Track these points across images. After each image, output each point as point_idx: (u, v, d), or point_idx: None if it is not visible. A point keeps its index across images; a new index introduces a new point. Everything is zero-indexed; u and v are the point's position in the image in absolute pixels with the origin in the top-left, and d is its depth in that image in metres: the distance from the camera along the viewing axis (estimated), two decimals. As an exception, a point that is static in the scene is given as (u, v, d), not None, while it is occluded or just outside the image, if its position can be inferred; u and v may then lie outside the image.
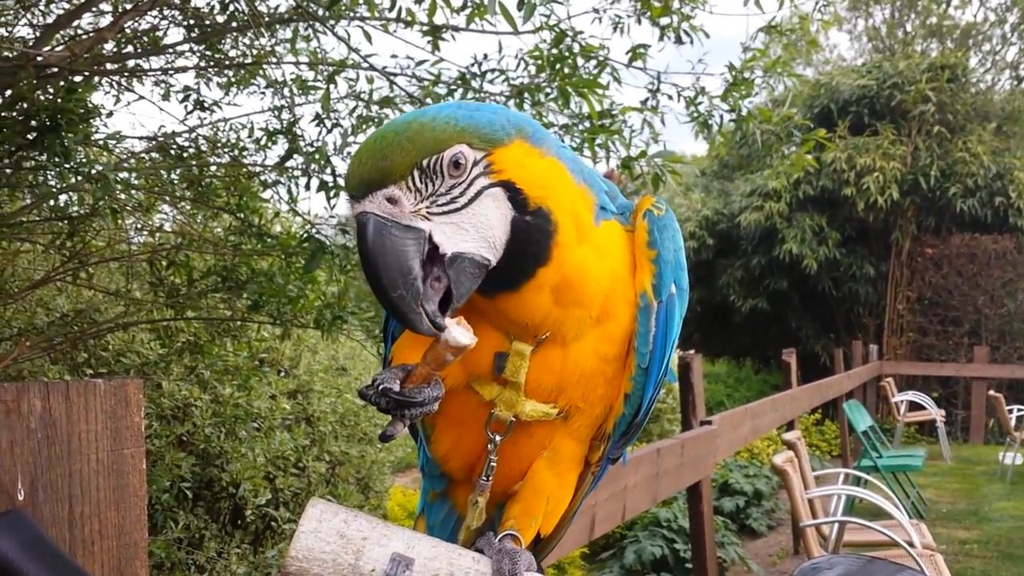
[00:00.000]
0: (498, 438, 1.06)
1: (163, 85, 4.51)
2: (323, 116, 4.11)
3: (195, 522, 4.80)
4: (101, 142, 3.56)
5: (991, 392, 11.83)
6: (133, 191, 3.81)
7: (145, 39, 4.30)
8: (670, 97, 4.12)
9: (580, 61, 3.80)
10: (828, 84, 16.20)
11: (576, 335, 1.04)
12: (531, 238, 0.97)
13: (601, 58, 3.81)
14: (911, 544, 4.88)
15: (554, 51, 3.73)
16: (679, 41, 4.03)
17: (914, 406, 12.68)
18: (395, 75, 3.97)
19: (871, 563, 1.45)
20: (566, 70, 3.68)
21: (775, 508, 8.89)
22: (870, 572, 1.39)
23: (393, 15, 3.78)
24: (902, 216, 15.27)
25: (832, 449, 12.35)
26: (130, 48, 4.30)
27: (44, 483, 1.29)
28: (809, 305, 16.20)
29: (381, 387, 0.96)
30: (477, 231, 0.95)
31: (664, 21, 3.95)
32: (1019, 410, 11.13)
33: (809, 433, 12.62)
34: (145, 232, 4.94)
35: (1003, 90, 19.55)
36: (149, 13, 3.79)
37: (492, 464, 1.07)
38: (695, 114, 4.10)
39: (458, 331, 0.94)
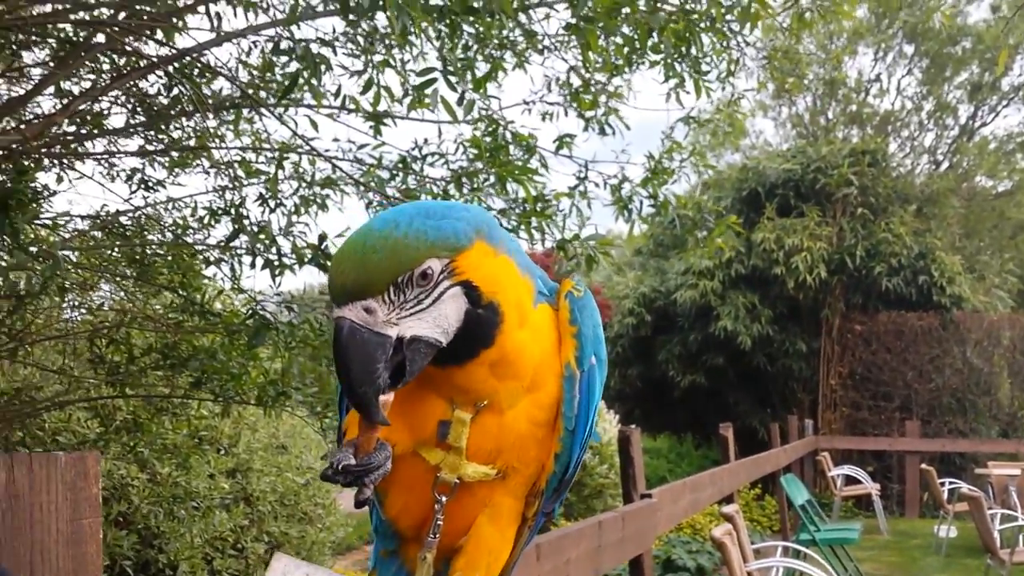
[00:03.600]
0: (444, 499, 1.17)
1: (107, 165, 4.56)
2: (267, 197, 4.20)
3: (130, 606, 4.68)
4: (49, 222, 3.59)
5: (923, 466, 12.11)
6: (78, 269, 3.82)
7: (90, 120, 4.36)
8: (597, 184, 4.35)
9: (512, 149, 4.00)
10: (755, 168, 16.80)
11: (511, 403, 1.17)
12: (480, 328, 1.10)
13: (531, 146, 4.01)
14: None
15: (488, 139, 3.92)
16: (603, 132, 4.28)
17: (850, 480, 12.89)
18: (338, 159, 4.10)
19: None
20: (502, 157, 3.86)
21: (717, 584, 8.92)
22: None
23: (338, 103, 3.93)
24: (831, 294, 15.75)
25: (773, 524, 12.46)
26: (75, 128, 4.35)
27: (8, 552, 1.33)
28: (745, 381, 16.49)
29: (341, 465, 1.07)
30: (435, 322, 1.08)
31: (589, 114, 4.19)
32: (951, 483, 11.38)
33: (750, 508, 12.73)
34: (84, 309, 4.91)
35: (922, 173, 20.52)
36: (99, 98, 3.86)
37: (439, 523, 1.17)
38: (618, 199, 4.32)
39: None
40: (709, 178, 16.10)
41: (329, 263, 3.67)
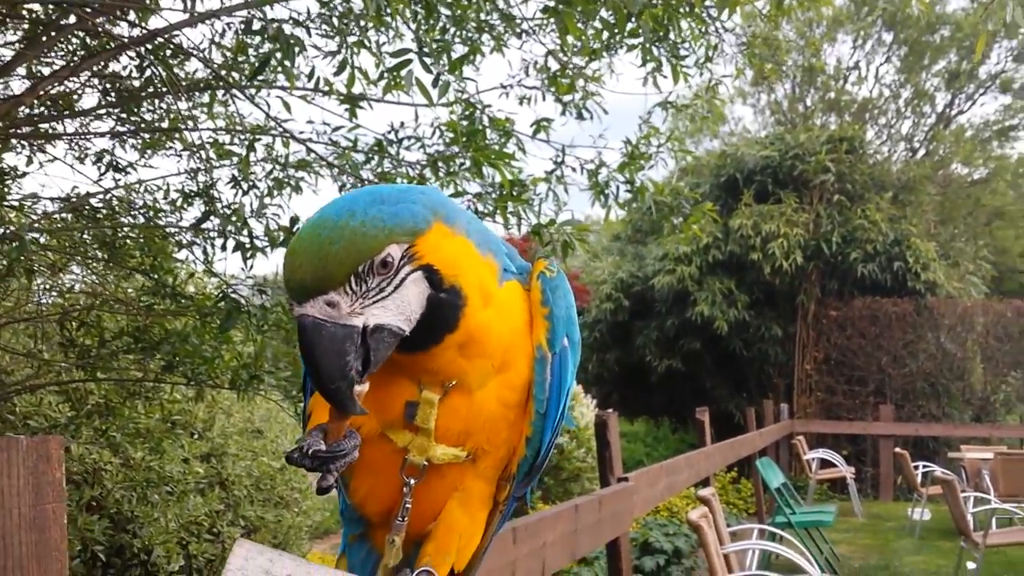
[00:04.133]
0: (413, 482, 1.15)
1: (77, 148, 4.49)
2: (240, 179, 4.16)
3: (103, 591, 4.65)
4: (16, 203, 3.53)
5: (897, 450, 12.24)
6: (47, 252, 3.77)
7: (60, 102, 4.29)
8: (573, 169, 4.33)
9: (489, 133, 3.97)
10: (733, 155, 16.86)
11: (480, 384, 1.14)
12: (443, 312, 1.08)
13: (508, 130, 3.99)
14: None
15: (465, 123, 3.88)
16: (580, 117, 4.26)
17: (825, 463, 13.01)
18: (312, 142, 4.06)
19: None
20: (479, 141, 3.83)
21: (695, 566, 8.98)
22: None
23: (311, 85, 3.88)
24: (807, 280, 15.86)
25: (748, 507, 12.57)
26: (44, 110, 4.28)
27: (-34, 536, 1.30)
28: (722, 365, 16.60)
29: (311, 451, 1.05)
30: (398, 309, 1.05)
31: (567, 98, 4.17)
32: (925, 466, 11.51)
33: (726, 491, 12.83)
34: (55, 293, 4.85)
35: (899, 161, 20.68)
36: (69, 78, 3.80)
37: (407, 506, 1.15)
38: (595, 184, 4.30)
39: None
40: (688, 164, 16.16)
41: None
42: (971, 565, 7.91)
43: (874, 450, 14.96)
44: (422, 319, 1.06)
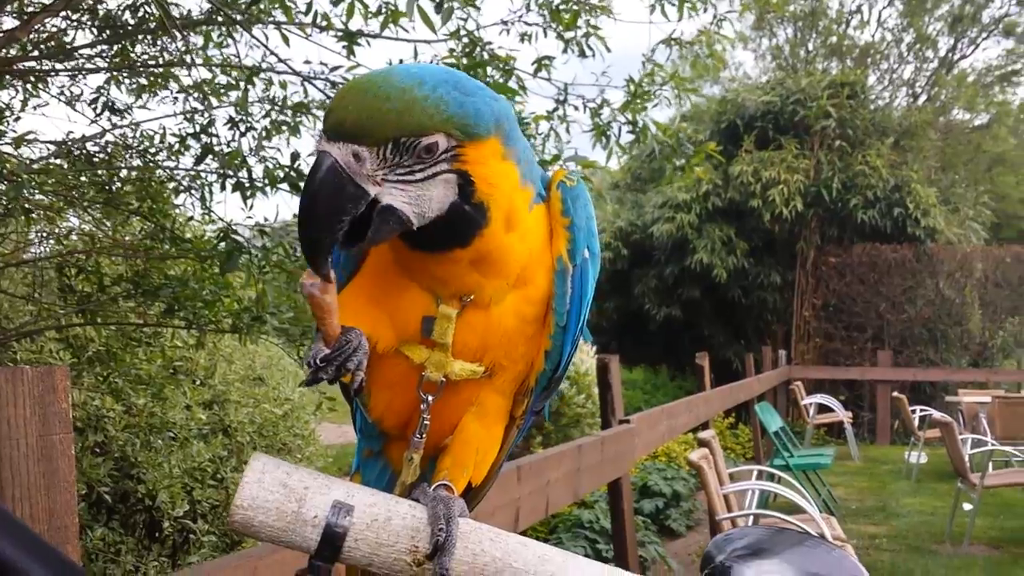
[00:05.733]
0: (430, 398, 1.12)
1: (70, 92, 4.41)
2: (237, 119, 4.09)
3: (110, 535, 4.68)
4: (12, 143, 3.47)
5: (895, 394, 12.32)
6: (44, 195, 3.72)
7: (52, 42, 4.20)
8: (576, 108, 4.24)
9: (489, 70, 3.88)
10: (734, 100, 16.71)
11: (497, 299, 1.11)
12: (459, 225, 1.03)
13: (509, 68, 3.90)
14: (823, 537, 5.06)
15: (465, 60, 3.80)
16: (582, 55, 4.16)
17: (823, 409, 13.11)
18: (311, 79, 3.98)
19: (779, 532, 1.52)
20: (480, 77, 3.76)
21: (693, 509, 9.09)
22: (778, 540, 1.46)
23: (308, 19, 3.79)
24: (806, 227, 15.82)
25: (746, 452, 12.69)
26: (37, 51, 4.20)
27: (-28, 465, 1.29)
28: (720, 313, 16.63)
29: (319, 358, 1.01)
30: (416, 200, 0.99)
31: (569, 35, 4.07)
32: (922, 411, 11.59)
33: (724, 436, 12.94)
34: (52, 239, 4.81)
35: (900, 106, 20.52)
36: (60, 15, 3.71)
37: (425, 422, 1.12)
38: (597, 125, 4.22)
39: (319, 283, 1.00)
40: (689, 109, 16.02)
41: (302, 183, 3.61)
42: (967, 506, 8.00)
43: (871, 395, 15.07)
44: (435, 222, 1.01)
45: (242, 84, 3.83)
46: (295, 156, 3.38)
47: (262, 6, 3.53)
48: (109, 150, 4.38)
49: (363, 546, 0.91)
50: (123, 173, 4.27)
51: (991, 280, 15.82)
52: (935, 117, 19.75)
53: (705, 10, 4.41)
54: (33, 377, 1.43)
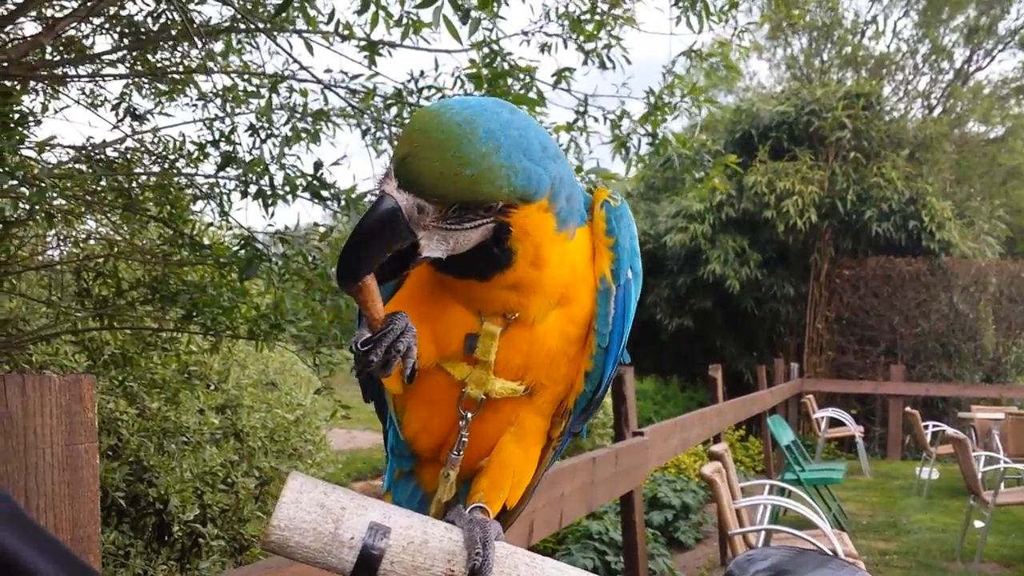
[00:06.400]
0: (470, 415, 1.11)
1: (92, 94, 4.43)
2: (258, 127, 4.10)
3: (120, 538, 4.68)
4: (35, 148, 3.49)
5: (907, 409, 12.24)
6: (64, 199, 3.74)
7: (72, 47, 4.22)
8: (595, 119, 4.24)
9: (510, 81, 3.88)
10: (748, 110, 16.68)
11: (541, 317, 1.10)
12: (482, 263, 1.03)
13: (528, 79, 3.90)
14: (835, 553, 5.03)
15: (485, 71, 3.80)
16: (603, 66, 4.16)
17: (834, 422, 13.04)
18: (333, 87, 3.99)
19: (801, 554, 1.51)
20: (501, 87, 3.76)
21: (702, 521, 9.05)
22: (800, 562, 1.45)
23: (331, 28, 3.80)
24: (820, 238, 15.76)
25: (756, 464, 12.64)
26: (58, 56, 4.22)
27: (0, 475, 1.28)
28: (732, 324, 16.58)
29: (361, 340, 1.00)
30: (453, 244, 1.00)
31: (589, 46, 4.07)
32: (934, 426, 11.52)
33: (734, 448, 12.89)
34: (70, 242, 4.83)
35: (915, 118, 20.44)
36: (83, 21, 3.73)
37: (464, 440, 1.12)
38: (617, 136, 4.22)
39: None
40: (706, 117, 15.95)
41: (322, 192, 3.62)
42: (978, 523, 7.94)
43: (883, 410, 14.98)
44: (460, 255, 1.01)
45: (264, 92, 3.84)
46: (318, 165, 3.38)
47: (286, 15, 3.54)
48: (129, 155, 4.39)
49: (399, 568, 0.91)
50: (142, 178, 4.28)
51: (1005, 295, 15.72)
52: (950, 129, 19.68)
53: (727, 21, 4.41)
54: (61, 386, 1.43)
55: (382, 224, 0.96)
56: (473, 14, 3.23)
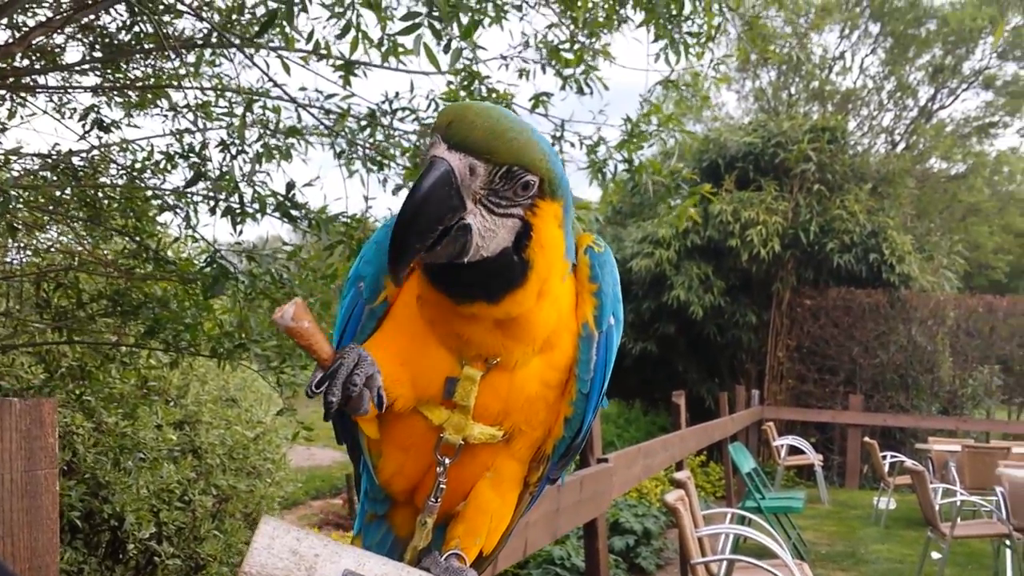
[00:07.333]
0: (447, 461, 1.09)
1: (60, 102, 4.36)
2: (229, 143, 4.05)
3: (73, 555, 4.57)
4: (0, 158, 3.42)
5: (865, 439, 12.34)
6: (27, 209, 3.66)
7: (43, 56, 4.15)
8: (572, 144, 4.26)
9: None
10: (716, 140, 16.87)
11: (522, 362, 1.09)
12: (501, 272, 1.02)
13: (507, 104, 3.90)
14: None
15: (463, 93, 3.80)
16: (580, 92, 4.18)
17: (794, 450, 13.13)
18: (307, 106, 3.96)
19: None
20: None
21: (663, 547, 9.05)
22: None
23: (309, 47, 3.78)
24: (783, 268, 15.94)
25: (716, 490, 12.68)
26: (28, 63, 4.15)
27: (-44, 502, 1.24)
28: (695, 350, 16.68)
29: (314, 384, 0.98)
30: (486, 232, 1.00)
31: (567, 72, 4.09)
32: (892, 456, 11.64)
33: (695, 474, 12.92)
34: (30, 252, 4.73)
35: (879, 153, 20.78)
36: (56, 30, 3.67)
37: (441, 486, 1.10)
38: (593, 162, 4.24)
39: (289, 312, 0.97)
40: (676, 145, 16.08)
41: (293, 212, 3.58)
42: (935, 555, 8.02)
43: (842, 439, 15.12)
44: (479, 263, 1.00)
45: (238, 110, 3.80)
46: (290, 186, 3.35)
47: (263, 34, 3.51)
48: (95, 165, 4.32)
49: (373, 617, 0.88)
50: (107, 189, 4.21)
51: (962, 329, 15.98)
52: (913, 165, 20.04)
53: (700, 56, 4.45)
54: (21, 411, 1.39)
55: (435, 188, 0.95)
56: (454, 44, 3.23)
